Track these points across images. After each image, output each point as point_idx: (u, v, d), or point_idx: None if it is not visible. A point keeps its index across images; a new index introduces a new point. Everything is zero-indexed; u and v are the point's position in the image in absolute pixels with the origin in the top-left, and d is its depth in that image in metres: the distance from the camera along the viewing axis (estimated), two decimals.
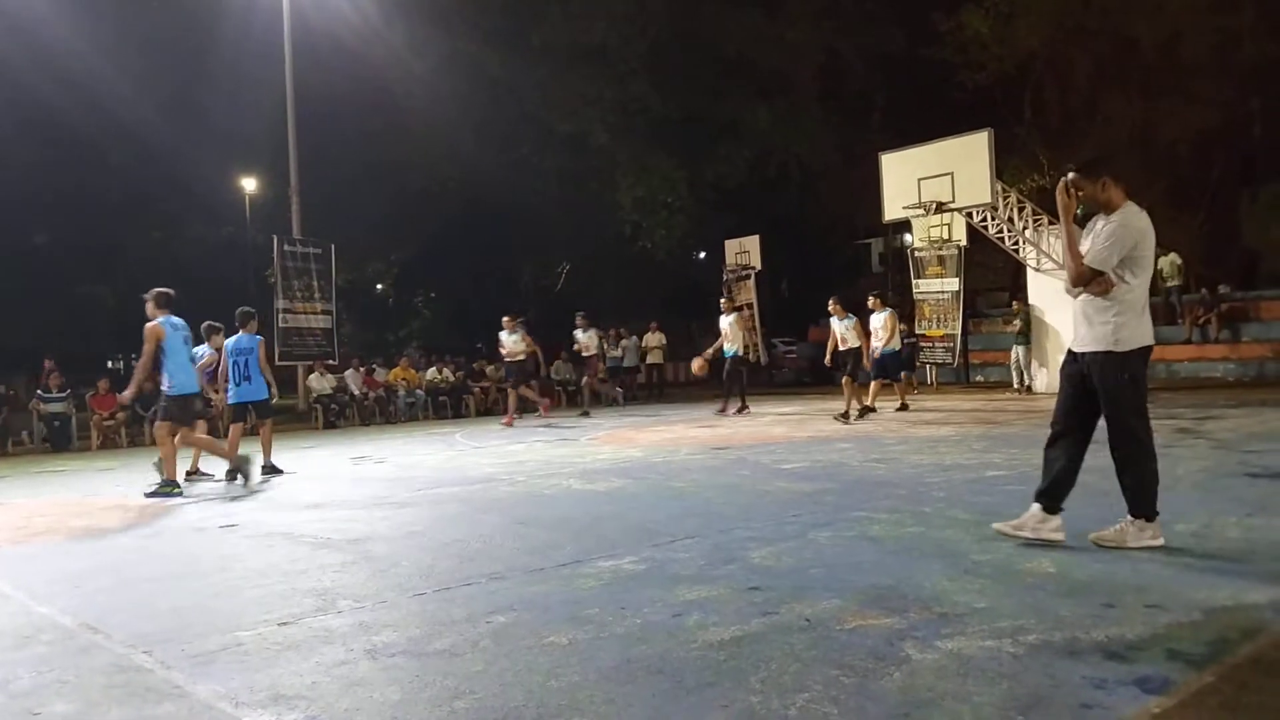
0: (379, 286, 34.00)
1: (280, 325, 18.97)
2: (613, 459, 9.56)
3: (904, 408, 13.98)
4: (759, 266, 23.14)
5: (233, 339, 10.10)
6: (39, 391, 16.35)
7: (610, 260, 30.07)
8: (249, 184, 28.49)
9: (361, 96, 23.70)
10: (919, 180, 16.14)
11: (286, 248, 19.46)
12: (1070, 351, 4.64)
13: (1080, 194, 4.55)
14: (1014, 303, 17.37)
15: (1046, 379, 16.65)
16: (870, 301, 14.22)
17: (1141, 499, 4.43)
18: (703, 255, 31.73)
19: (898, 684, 2.82)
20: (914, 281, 19.01)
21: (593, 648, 3.31)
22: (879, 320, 13.89)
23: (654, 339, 22.08)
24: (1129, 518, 4.44)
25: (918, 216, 17.26)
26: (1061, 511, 4.57)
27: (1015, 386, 16.89)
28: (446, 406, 19.65)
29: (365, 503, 7.28)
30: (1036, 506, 4.59)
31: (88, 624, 4.00)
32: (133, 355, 27.34)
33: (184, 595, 4.53)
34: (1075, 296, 4.60)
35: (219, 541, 6.00)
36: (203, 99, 23.13)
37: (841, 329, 13.68)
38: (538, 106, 24.94)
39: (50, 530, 6.86)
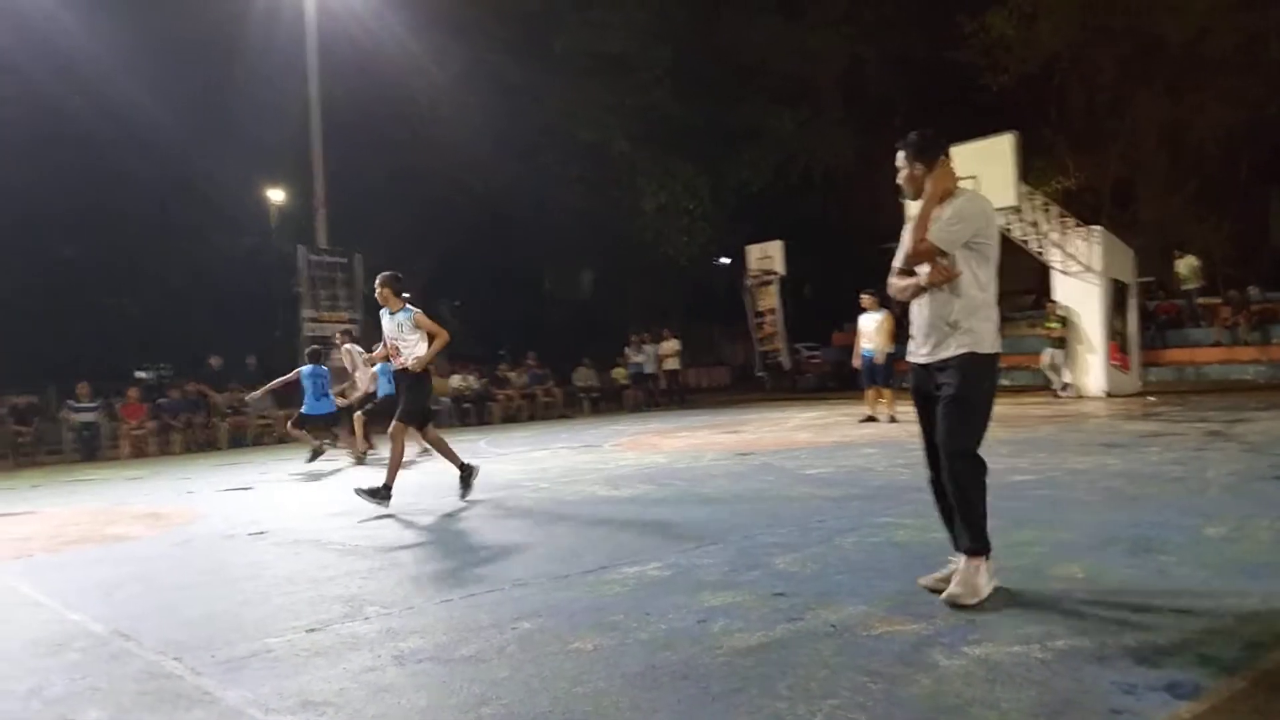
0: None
1: (306, 335, 19.11)
2: (636, 465, 9.57)
3: (878, 419, 12.91)
4: (782, 272, 23.10)
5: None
6: (69, 401, 16.57)
7: (632, 267, 30.11)
8: (276, 195, 28.75)
9: (385, 106, 23.87)
10: None
11: (312, 258, 19.63)
12: (915, 366, 3.98)
13: (904, 174, 3.97)
14: (1048, 305, 17.18)
15: (1079, 382, 16.51)
16: (864, 300, 13.20)
17: (973, 528, 3.75)
18: (725, 261, 31.70)
19: (925, 690, 2.81)
20: None
21: (618, 654, 3.31)
22: (872, 322, 13.04)
23: (669, 346, 22.09)
24: (964, 557, 3.75)
25: None
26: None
27: (1055, 389, 16.71)
28: (470, 413, 19.74)
29: (391, 509, 7.32)
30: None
31: (119, 631, 4.04)
32: (160, 366, 27.68)
33: (214, 602, 4.58)
34: (906, 296, 3.99)
35: (248, 549, 6.05)
36: (227, 111, 23.39)
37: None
38: (559, 115, 25.04)
39: (82, 539, 6.94)
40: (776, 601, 3.89)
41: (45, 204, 24.27)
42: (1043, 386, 17.61)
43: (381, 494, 7.18)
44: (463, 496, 7.59)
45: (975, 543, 3.74)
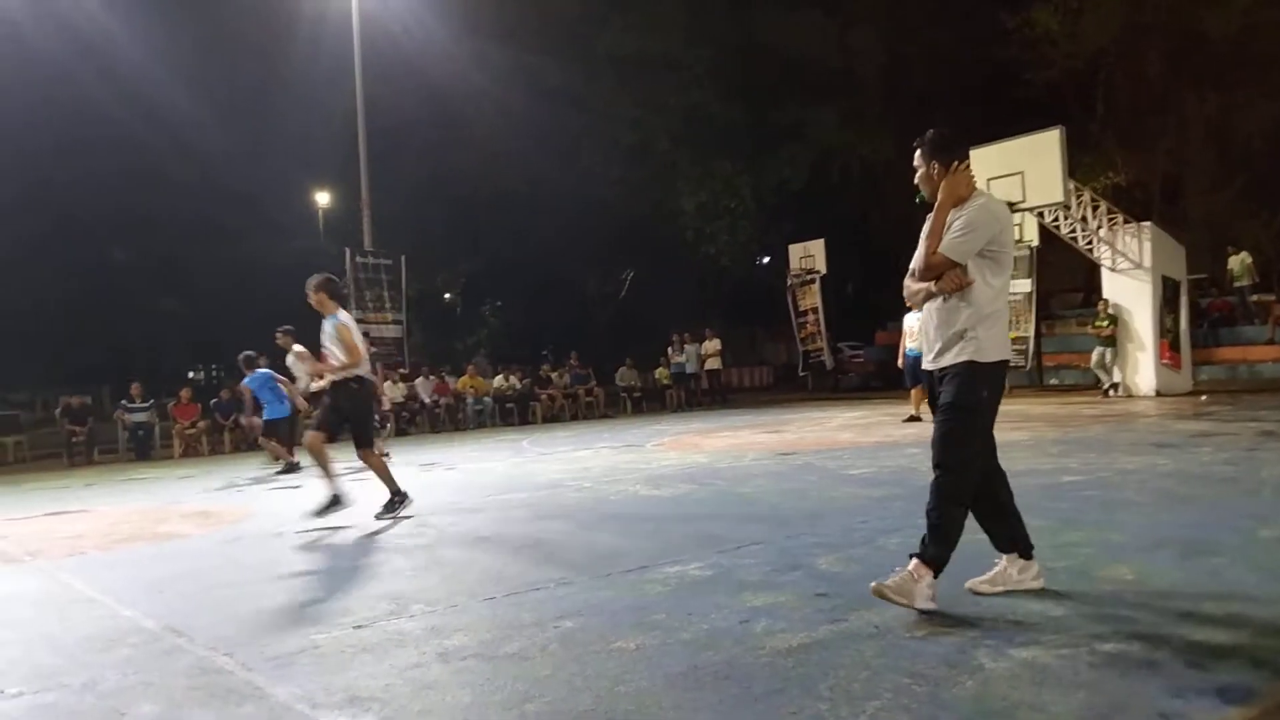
0: (447, 296, 34.52)
1: None
2: (678, 465, 9.57)
3: (922, 419, 12.56)
4: (824, 270, 22.95)
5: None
6: (123, 402, 16.94)
7: (673, 267, 30.13)
8: (322, 198, 29.19)
9: (427, 109, 24.13)
10: (988, 180, 15.82)
11: (358, 259, 19.87)
12: (929, 378, 3.93)
13: (920, 174, 3.87)
14: (1100, 303, 16.87)
15: (1129, 381, 16.22)
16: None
17: (939, 539, 3.63)
18: (766, 260, 31.61)
19: (970, 693, 2.78)
20: None
21: (660, 653, 3.32)
22: (917, 320, 12.97)
23: (711, 346, 22.03)
24: (917, 563, 3.63)
25: None
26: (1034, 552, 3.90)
27: (1105, 388, 16.42)
28: (513, 413, 19.87)
29: (436, 509, 7.39)
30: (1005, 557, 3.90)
31: (171, 627, 4.13)
32: (213, 367, 28.22)
33: (262, 599, 4.66)
34: (917, 301, 3.90)
35: (294, 547, 6.14)
36: (275, 118, 23.79)
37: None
38: (600, 116, 25.13)
39: (135, 536, 7.10)
40: (819, 602, 3.87)
41: (98, 209, 24.86)
42: (1092, 385, 17.32)
43: (395, 503, 7.00)
44: (314, 514, 6.84)
45: (929, 550, 3.62)
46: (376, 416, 11.24)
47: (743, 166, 25.91)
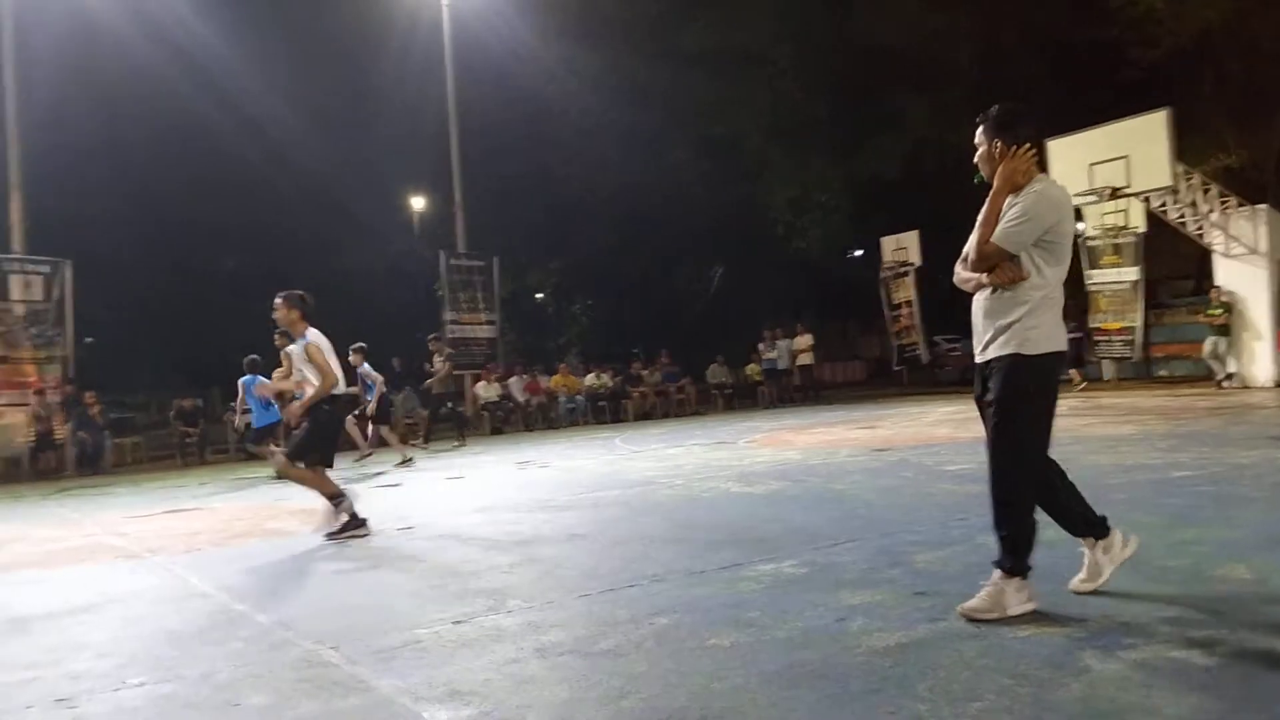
0: (538, 295, 34.97)
1: (448, 336, 19.78)
2: (771, 462, 9.51)
3: None
4: (918, 262, 22.50)
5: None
6: (232, 404, 17.61)
7: (763, 262, 29.92)
8: (417, 202, 29.88)
9: (517, 110, 24.46)
10: (1090, 165, 15.34)
11: (452, 261, 20.30)
12: (978, 370, 3.72)
13: (981, 152, 3.68)
14: (1212, 291, 16.16)
15: (1244, 371, 15.50)
16: None
17: (1012, 549, 3.50)
18: (859, 253, 31.14)
19: (1077, 694, 2.69)
20: (1087, 272, 18.04)
21: (755, 651, 3.31)
22: None
23: (802, 341, 21.80)
24: (999, 574, 3.51)
25: (1090, 203, 16.38)
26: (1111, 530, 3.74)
27: (1219, 380, 15.74)
28: (605, 411, 20.02)
29: (531, 506, 7.50)
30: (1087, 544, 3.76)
31: (280, 621, 4.28)
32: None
33: (366, 594, 4.80)
34: (970, 288, 3.71)
35: (397, 543, 6.31)
36: (369, 125, 24.45)
37: None
38: (688, 112, 25.10)
39: (246, 533, 7.38)
40: (917, 601, 3.81)
41: (207, 219, 25.91)
42: (1204, 377, 16.60)
43: (350, 525, 6.55)
44: (329, 535, 6.56)
45: (1007, 561, 3.49)
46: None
47: (834, 159, 25.56)
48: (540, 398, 19.64)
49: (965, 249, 3.71)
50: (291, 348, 6.69)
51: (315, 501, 6.93)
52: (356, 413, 12.70)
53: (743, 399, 22.40)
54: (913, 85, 24.95)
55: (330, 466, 6.79)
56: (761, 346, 22.06)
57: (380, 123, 24.98)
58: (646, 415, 20.13)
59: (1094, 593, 3.68)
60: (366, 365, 12.70)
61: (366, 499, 9.03)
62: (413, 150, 25.57)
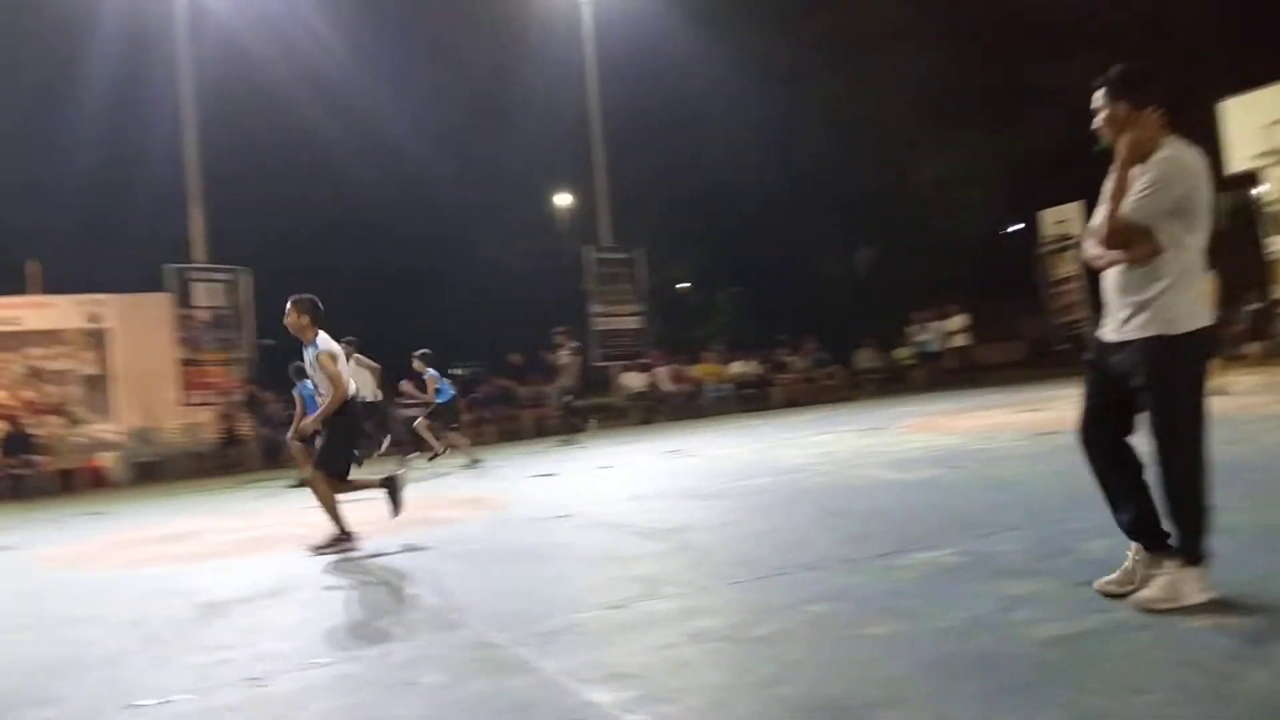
0: (682, 285, 35.13)
1: (595, 329, 20.17)
2: (926, 447, 9.28)
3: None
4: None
5: None
6: (397, 399, 18.48)
7: (912, 242, 29.11)
8: (563, 199, 30.50)
9: (655, 99, 24.56)
10: (1270, 125, 14.23)
11: (597, 255, 20.63)
12: (1100, 343, 3.46)
13: (1103, 116, 3.35)
14: None
15: None
16: None
17: (1194, 537, 3.30)
18: (1016, 229, 29.86)
19: (1260, 685, 2.54)
20: (1265, 240, 16.73)
21: (913, 640, 3.26)
22: None
23: (956, 321, 21.08)
24: (1177, 563, 3.31)
25: (1271, 166, 15.19)
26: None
27: None
28: (752, 399, 19.95)
29: (681, 494, 7.58)
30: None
31: (449, 604, 4.49)
32: (472, 363, 30.15)
33: (528, 580, 4.97)
34: (1102, 265, 3.40)
35: (554, 530, 6.50)
36: (513, 122, 25.09)
37: None
38: (829, 93, 24.65)
39: (414, 521, 7.74)
40: (1084, 591, 3.65)
41: (369, 223, 27.18)
42: None
43: (342, 540, 6.39)
44: (316, 551, 6.34)
45: (1185, 550, 3.30)
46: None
47: (985, 133, 24.60)
48: (686, 387, 19.75)
49: (1092, 222, 3.48)
50: (309, 352, 6.46)
51: (479, 491, 7.20)
52: (427, 414, 13.04)
53: (894, 383, 21.88)
54: (1072, 53, 23.71)
55: (346, 475, 6.58)
56: (912, 329, 21.49)
57: (524, 122, 25.62)
58: (794, 402, 19.94)
59: (1277, 582, 3.46)
60: (432, 370, 12.91)
61: (526, 489, 9.32)
62: (556, 148, 26.11)
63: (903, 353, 22.18)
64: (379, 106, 24.89)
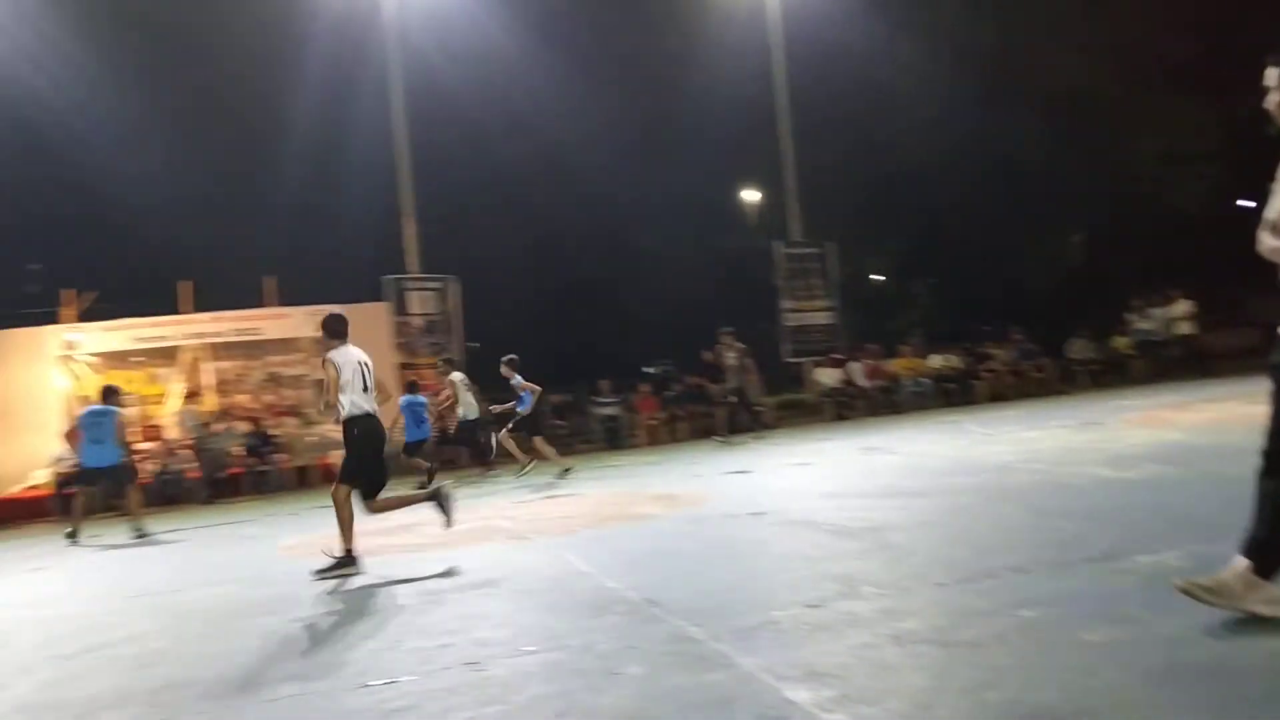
0: (877, 277, 34.31)
1: (786, 325, 20.04)
2: (1148, 443, 8.68)
3: None
4: None
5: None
6: (594, 397, 19.06)
7: (1130, 223, 27.18)
8: (751, 195, 30.47)
9: (843, 86, 24.06)
10: None
11: (787, 251, 20.48)
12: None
13: (1271, 98, 2.98)
14: None
15: None
16: None
17: None
18: (1249, 205, 27.37)
19: None
20: None
21: (1133, 648, 3.08)
22: None
23: (1180, 308, 19.49)
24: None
25: None
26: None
27: None
28: (954, 394, 19.22)
29: (878, 492, 7.44)
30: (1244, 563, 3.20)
31: (649, 599, 4.58)
32: (665, 361, 30.63)
33: (724, 575, 5.03)
34: (1277, 256, 3.08)
35: (750, 527, 6.53)
36: (700, 116, 25.25)
37: None
38: (1030, 66, 23.41)
39: (614, 516, 7.98)
40: None
41: (566, 228, 28.11)
42: None
43: (345, 562, 6.31)
44: (315, 575, 6.21)
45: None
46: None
47: (1209, 101, 22.66)
48: (883, 381, 19.28)
49: (1268, 214, 3.14)
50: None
51: (673, 487, 7.33)
52: (510, 425, 12.93)
53: (1111, 375, 20.49)
54: None
55: (374, 492, 6.59)
56: (1132, 316, 20.07)
57: (709, 119, 25.74)
58: (1000, 396, 19.05)
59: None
60: (518, 377, 12.79)
61: (721, 486, 9.40)
62: (742, 142, 26.11)
63: (1121, 342, 20.74)
64: (564, 111, 25.71)
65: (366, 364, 6.64)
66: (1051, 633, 3.35)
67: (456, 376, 13.63)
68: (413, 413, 13.31)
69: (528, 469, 12.56)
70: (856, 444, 12.28)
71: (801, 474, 9.86)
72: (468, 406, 13.47)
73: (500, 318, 30.29)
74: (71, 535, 10.44)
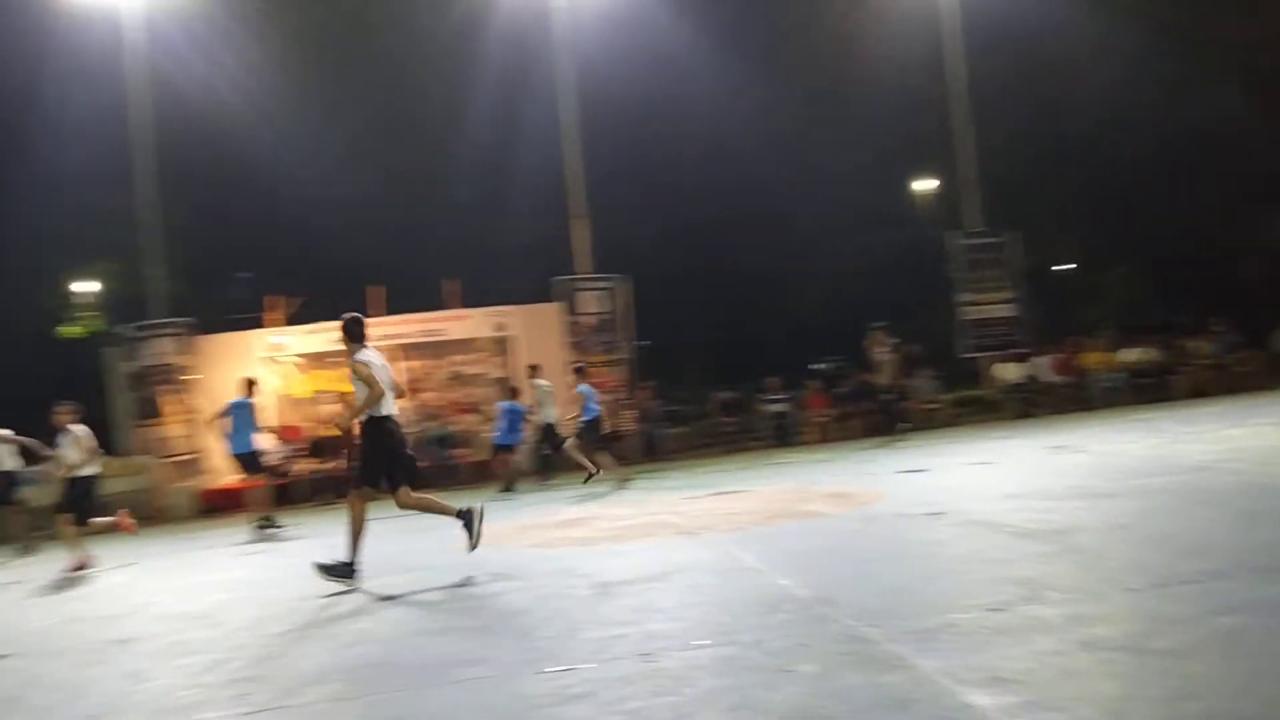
0: (1064, 266, 32.62)
1: (964, 319, 19.36)
2: None
3: None
4: None
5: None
6: (762, 394, 19.00)
7: None
8: (924, 185, 29.56)
9: (1022, 64, 22.91)
10: None
11: (963, 241, 19.76)
12: None
13: None
14: None
15: None
16: None
17: None
18: None
19: None
20: None
21: None
22: None
23: None
24: None
25: None
26: None
27: None
28: (1148, 389, 18.04)
29: (1065, 493, 7.11)
30: None
31: (820, 597, 4.56)
32: (834, 358, 30.14)
33: (898, 576, 4.94)
34: None
35: (925, 528, 6.37)
36: (869, 105, 24.68)
37: None
38: (1239, 39, 21.66)
39: (783, 514, 7.95)
40: None
41: (731, 223, 28.10)
42: None
43: (342, 570, 6.33)
44: (471, 548, 6.50)
45: None
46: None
47: None
48: (1070, 377, 18.34)
49: None
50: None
51: (846, 485, 7.24)
52: (576, 434, 12.84)
53: None
54: None
55: (405, 485, 6.62)
56: None
57: (878, 108, 25.10)
58: (1199, 392, 17.74)
59: None
60: (584, 386, 13.12)
61: (896, 484, 9.20)
62: (913, 130, 25.36)
63: None
64: (729, 105, 25.65)
65: (385, 367, 6.75)
66: (1256, 642, 3.15)
67: (542, 383, 13.90)
68: (510, 418, 13.65)
69: (602, 477, 12.36)
70: (1042, 442, 11.74)
71: (982, 473, 9.52)
72: (549, 413, 13.68)
73: (670, 315, 30.64)
74: (263, 523, 11.19)
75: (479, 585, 5.99)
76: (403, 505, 6.59)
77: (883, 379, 15.37)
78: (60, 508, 9.38)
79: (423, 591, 6.07)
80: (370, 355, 6.66)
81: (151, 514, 13.61)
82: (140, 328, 17.94)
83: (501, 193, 26.42)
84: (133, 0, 17.72)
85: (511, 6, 19.65)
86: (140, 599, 6.45)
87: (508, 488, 13.23)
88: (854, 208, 28.90)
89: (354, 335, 6.74)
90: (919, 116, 23.82)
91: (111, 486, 16.60)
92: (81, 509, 9.32)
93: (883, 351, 15.31)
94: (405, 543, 8.59)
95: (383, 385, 6.52)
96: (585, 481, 12.33)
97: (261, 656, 4.73)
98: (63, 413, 9.70)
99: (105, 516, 9.80)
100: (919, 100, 22.95)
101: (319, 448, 16.71)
